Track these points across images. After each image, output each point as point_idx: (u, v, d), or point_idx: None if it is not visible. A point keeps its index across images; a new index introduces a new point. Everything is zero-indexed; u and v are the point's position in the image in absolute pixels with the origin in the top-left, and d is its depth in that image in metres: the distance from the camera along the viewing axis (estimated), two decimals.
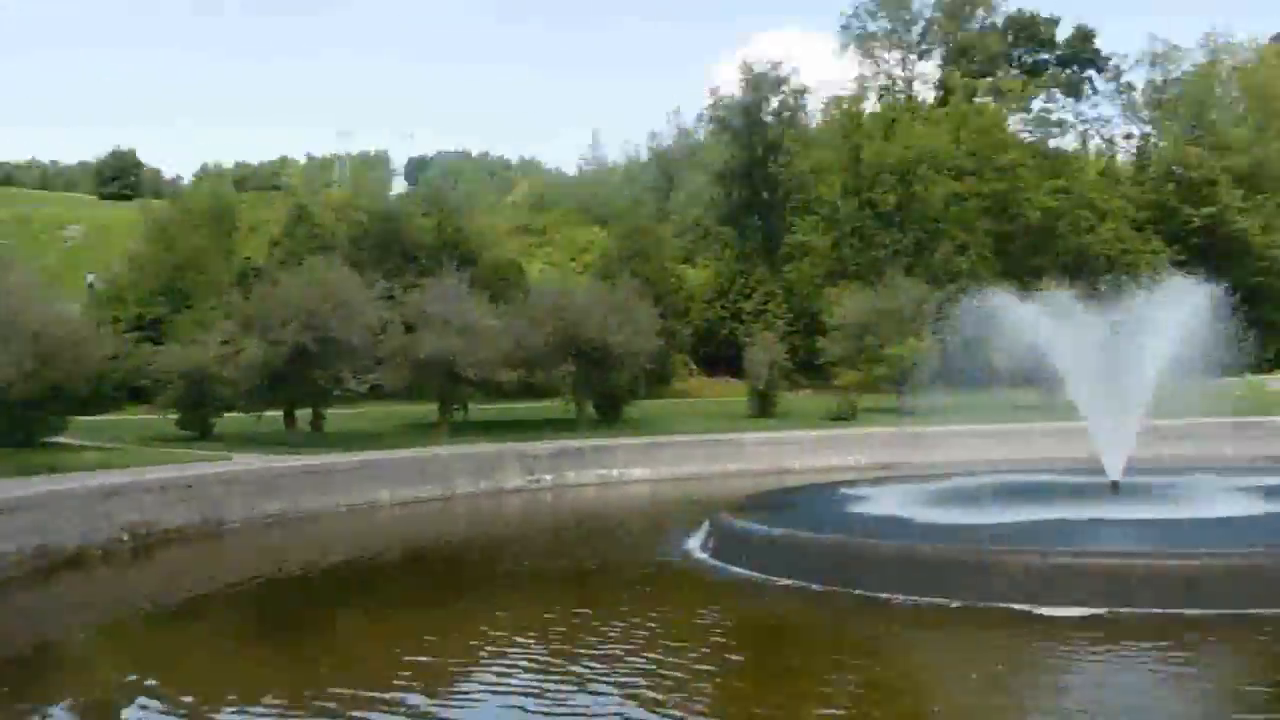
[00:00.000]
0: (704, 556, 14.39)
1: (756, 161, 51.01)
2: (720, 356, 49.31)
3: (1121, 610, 10.19)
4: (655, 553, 15.59)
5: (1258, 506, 14.45)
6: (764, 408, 38.19)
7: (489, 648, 10.65)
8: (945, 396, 27.99)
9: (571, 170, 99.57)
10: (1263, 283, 55.78)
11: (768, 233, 51.03)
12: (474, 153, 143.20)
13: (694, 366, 52.30)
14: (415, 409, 35.60)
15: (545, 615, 11.94)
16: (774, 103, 52.62)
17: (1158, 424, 26.28)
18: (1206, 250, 55.49)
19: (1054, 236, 51.90)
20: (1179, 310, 16.77)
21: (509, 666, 9.81)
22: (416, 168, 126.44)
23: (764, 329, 45.91)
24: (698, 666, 9.50)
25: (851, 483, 19.78)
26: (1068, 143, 60.05)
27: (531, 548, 18.84)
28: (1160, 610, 10.15)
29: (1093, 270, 46.62)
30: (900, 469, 26.01)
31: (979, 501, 15.50)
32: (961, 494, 16.70)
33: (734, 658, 10.18)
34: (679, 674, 9.17)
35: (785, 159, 50.08)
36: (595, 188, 70.77)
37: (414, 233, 45.73)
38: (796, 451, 30.39)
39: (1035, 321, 17.53)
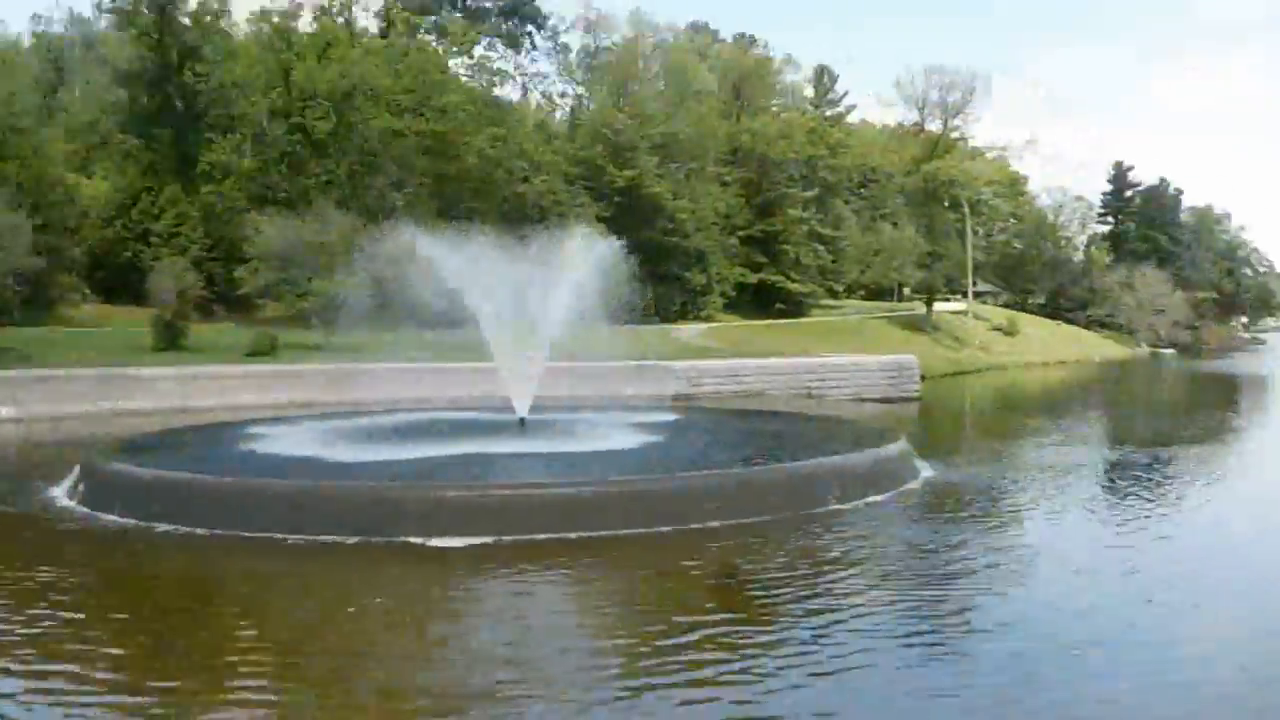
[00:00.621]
0: (71, 504, 12.10)
1: (170, 66, 45.70)
2: (123, 282, 43.86)
3: (507, 538, 10.40)
4: (9, 503, 12.81)
5: (640, 440, 15.67)
6: (172, 340, 34.52)
7: None
8: (371, 334, 27.43)
9: None
10: (674, 242, 62.35)
11: (182, 148, 46.00)
12: None
13: (88, 292, 46.06)
14: None
15: None
16: (191, 3, 47.40)
17: (573, 365, 28.33)
18: (628, 209, 60.73)
19: (492, 183, 53.17)
20: (586, 261, 17.53)
21: None
22: None
23: (175, 254, 41.68)
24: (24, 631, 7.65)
25: (263, 421, 18.60)
26: (508, 94, 62.08)
27: None
28: (543, 535, 10.47)
29: (528, 219, 48.46)
30: (322, 407, 24.77)
31: (391, 439, 15.37)
32: (376, 431, 16.49)
33: (73, 615, 8.35)
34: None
35: (205, 68, 45.47)
36: None
37: None
38: (208, 389, 27.70)
39: (452, 262, 17.31)
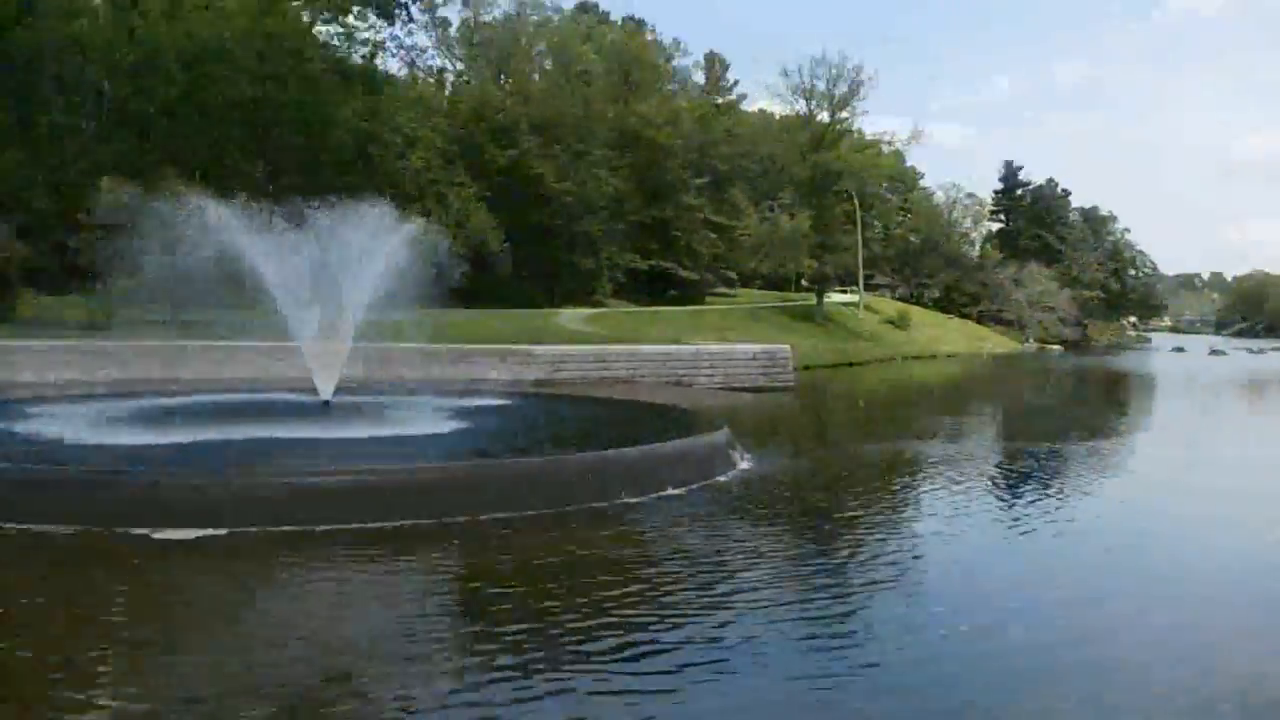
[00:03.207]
0: None
1: (6, 22, 42.59)
2: None
3: (245, 529, 9.57)
4: None
5: (446, 426, 14.97)
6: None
7: None
8: (212, 311, 26.23)
9: None
10: (560, 225, 61.32)
11: (20, 110, 42.91)
12: None
13: None
14: None
15: None
16: None
17: (435, 349, 27.38)
18: (510, 189, 59.51)
19: (367, 158, 51.29)
20: (387, 241, 16.88)
21: None
22: None
23: (21, 220, 39.18)
24: None
25: (41, 400, 17.84)
26: (382, 66, 59.89)
27: None
28: (285, 528, 9.66)
29: (407, 197, 46.86)
30: (150, 384, 23.33)
31: (181, 420, 14.51)
32: (166, 412, 15.55)
33: None
34: None
35: (39, 23, 42.57)
36: None
37: None
38: (27, 362, 25.76)
39: (246, 237, 16.20)
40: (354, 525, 9.74)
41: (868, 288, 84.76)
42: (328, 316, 16.65)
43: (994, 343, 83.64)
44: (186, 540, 9.27)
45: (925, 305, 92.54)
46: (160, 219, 31.68)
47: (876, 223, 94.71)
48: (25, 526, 9.49)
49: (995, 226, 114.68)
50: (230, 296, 18.22)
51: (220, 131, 43.58)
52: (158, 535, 9.32)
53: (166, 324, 31.13)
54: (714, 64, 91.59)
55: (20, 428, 13.93)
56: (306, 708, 6.01)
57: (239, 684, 6.20)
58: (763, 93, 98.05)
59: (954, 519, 12.28)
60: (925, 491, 14.57)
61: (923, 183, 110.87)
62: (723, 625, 7.59)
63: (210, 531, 9.41)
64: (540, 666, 6.62)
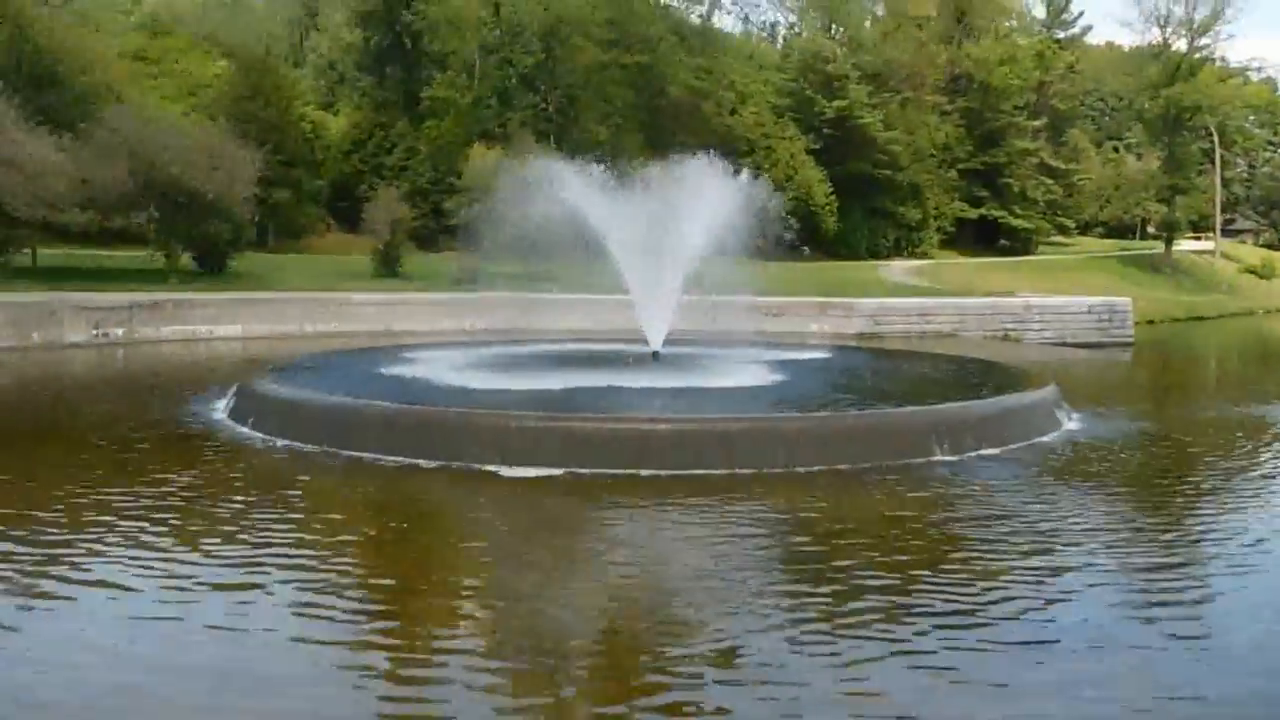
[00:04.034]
0: (223, 417, 13.56)
1: (397, 5, 48.23)
2: (358, 213, 47.30)
3: (580, 471, 10.43)
4: (178, 413, 14.43)
5: (769, 378, 15.46)
6: (388, 267, 37.07)
7: None
8: (536, 266, 28.22)
9: None
10: (886, 175, 60.58)
11: (408, 85, 48.67)
12: None
13: (331, 222, 49.92)
14: None
15: None
16: None
17: (755, 302, 28.45)
18: (838, 141, 59.39)
19: (700, 116, 53.18)
20: (725, 195, 17.47)
21: None
22: None
23: (407, 186, 44.37)
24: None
25: (415, 346, 19.71)
26: (717, 24, 61.57)
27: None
28: (612, 471, 10.40)
29: (736, 151, 48.20)
30: (513, 334, 25.91)
31: (529, 367, 15.70)
32: (517, 360, 16.79)
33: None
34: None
35: (422, 6, 47.70)
36: (224, 15, 63.95)
37: None
38: (407, 314, 29.75)
39: (586, 194, 17.62)
40: (674, 472, 10.47)
41: (1226, 233, 77.27)
42: (658, 270, 17.46)
43: None
44: (528, 478, 10.25)
45: None
46: (519, 181, 35.04)
47: (1239, 161, 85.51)
48: (398, 459, 10.81)
49: None
50: (576, 252, 19.54)
51: (569, 97, 46.89)
52: (506, 472, 10.35)
53: (521, 278, 34.48)
54: None
55: (398, 371, 15.88)
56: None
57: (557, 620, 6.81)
58: (1110, 23, 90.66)
59: None
60: None
61: None
62: (1051, 602, 7.06)
63: (550, 471, 10.34)
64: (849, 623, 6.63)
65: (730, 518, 9.34)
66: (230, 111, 40.18)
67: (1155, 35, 63.93)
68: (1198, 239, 75.24)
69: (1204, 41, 63.22)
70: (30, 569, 7.51)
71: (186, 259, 32.20)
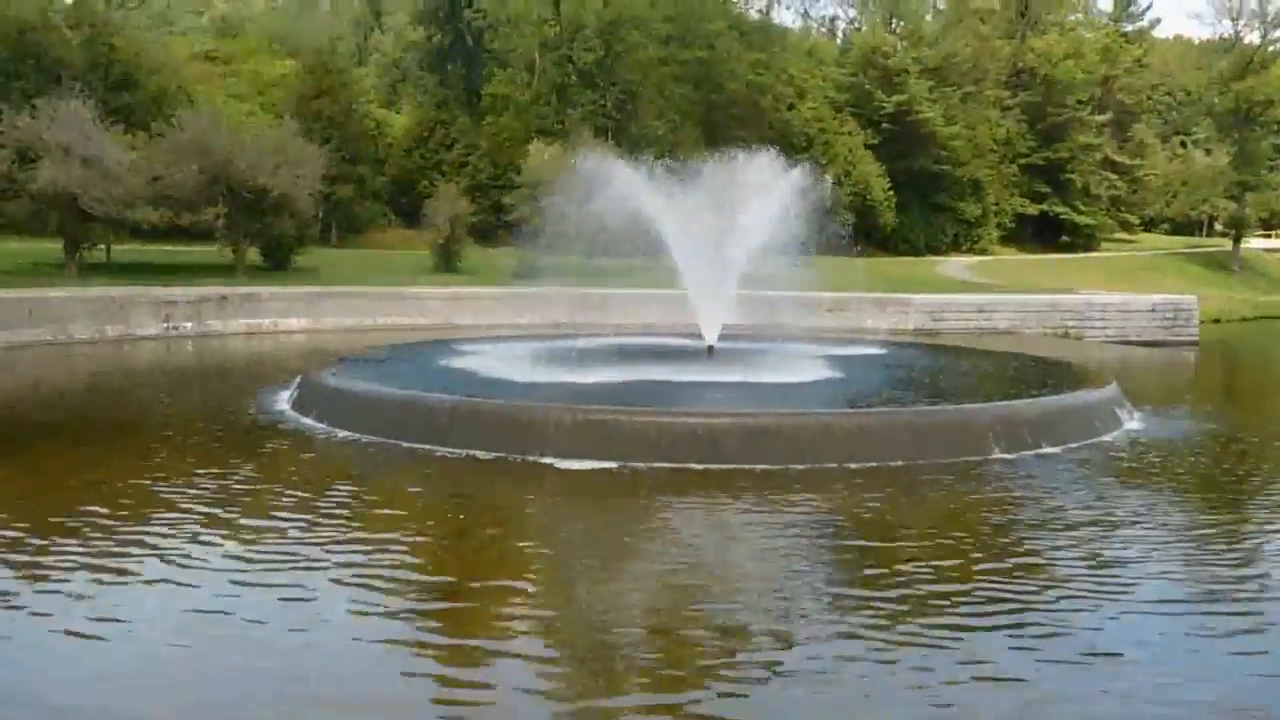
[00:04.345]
0: (286, 409, 13.89)
1: (459, 4, 48.80)
2: (419, 209, 47.96)
3: (634, 464, 10.53)
4: (244, 404, 14.83)
5: (824, 374, 15.47)
6: (448, 262, 37.56)
7: None
8: (594, 262, 28.38)
9: None
10: (945, 170, 59.95)
11: (469, 82, 49.30)
12: None
13: (393, 217, 50.65)
14: (43, 247, 32.04)
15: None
16: None
17: (808, 297, 28.38)
18: (897, 136, 58.88)
19: (758, 111, 53.05)
20: (782, 191, 17.48)
21: None
22: None
23: (467, 182, 44.92)
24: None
25: (473, 340, 19.93)
26: (776, 19, 61.39)
27: (99, 398, 16.94)
28: (666, 464, 10.52)
29: (795, 147, 48.08)
30: (571, 328, 26.10)
31: (584, 361, 15.67)
32: (573, 354, 16.83)
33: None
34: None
35: (484, 4, 48.18)
36: (290, 16, 65.24)
37: (57, 48, 40.29)
38: (468, 308, 30.12)
39: (643, 189, 17.71)
40: (728, 466, 10.54)
41: None
42: (715, 266, 17.54)
43: None
44: (583, 470, 10.39)
45: None
46: (577, 177, 35.34)
47: None
48: (456, 451, 10.98)
49: None
50: (633, 247, 19.62)
51: (627, 92, 47.10)
52: (561, 465, 10.49)
53: (578, 274, 34.73)
54: None
55: (458, 364, 16.15)
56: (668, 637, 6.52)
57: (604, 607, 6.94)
58: (1179, 16, 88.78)
59: None
60: None
61: None
62: (1109, 617, 6.77)
63: (604, 464, 10.46)
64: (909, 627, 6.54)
65: (785, 515, 9.30)
66: (296, 110, 41.05)
67: (1227, 28, 62.83)
68: (1268, 236, 73.41)
69: (1277, 34, 61.78)
70: (95, 559, 7.66)
71: (253, 254, 32.97)
